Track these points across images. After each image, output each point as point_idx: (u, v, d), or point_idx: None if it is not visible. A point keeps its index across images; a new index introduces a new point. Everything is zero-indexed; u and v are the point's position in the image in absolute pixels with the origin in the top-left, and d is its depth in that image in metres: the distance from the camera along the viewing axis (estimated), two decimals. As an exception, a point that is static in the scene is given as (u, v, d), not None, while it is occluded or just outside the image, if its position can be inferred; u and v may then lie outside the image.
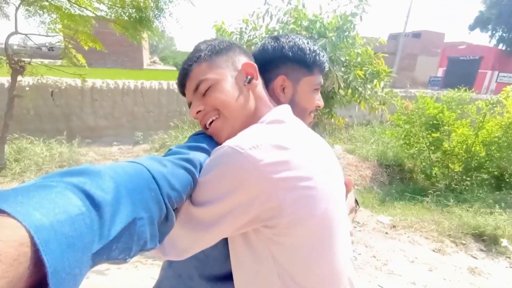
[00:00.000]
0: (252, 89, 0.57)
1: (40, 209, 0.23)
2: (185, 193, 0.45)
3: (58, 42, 3.81)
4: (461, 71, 21.63)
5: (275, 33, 3.24)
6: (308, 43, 0.67)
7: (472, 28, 24.38)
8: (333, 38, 2.89)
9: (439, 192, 3.89)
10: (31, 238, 0.21)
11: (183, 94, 0.61)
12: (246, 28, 3.51)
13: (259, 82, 0.59)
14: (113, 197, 0.31)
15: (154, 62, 28.24)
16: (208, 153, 0.53)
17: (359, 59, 3.46)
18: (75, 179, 0.29)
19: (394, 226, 3.11)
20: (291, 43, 0.66)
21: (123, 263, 0.35)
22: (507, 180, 4.18)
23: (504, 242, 2.77)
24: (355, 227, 3.18)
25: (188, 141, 0.56)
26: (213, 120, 0.56)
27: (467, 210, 3.34)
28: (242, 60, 0.58)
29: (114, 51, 18.80)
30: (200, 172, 0.50)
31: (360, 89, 3.39)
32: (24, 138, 3.60)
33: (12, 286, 0.19)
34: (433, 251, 2.67)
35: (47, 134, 3.88)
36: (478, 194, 3.73)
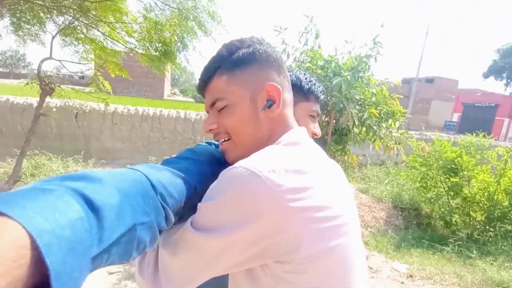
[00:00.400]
0: (270, 115, 0.53)
1: (42, 213, 0.23)
2: (182, 201, 0.45)
3: (88, 69, 4.11)
4: (477, 117, 21.44)
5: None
6: (305, 74, 0.73)
7: (486, 76, 24.65)
8: (348, 77, 2.96)
9: (461, 242, 3.62)
10: (33, 241, 0.21)
11: (203, 96, 0.60)
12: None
13: (286, 103, 0.55)
14: (113, 202, 0.31)
15: (174, 93, 29.81)
16: (203, 164, 0.54)
17: (373, 99, 3.50)
18: (74, 184, 0.29)
19: (411, 276, 2.86)
20: (290, 72, 0.71)
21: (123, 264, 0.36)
22: (536, 233, 3.86)
23: (536, 303, 2.48)
24: (367, 273, 2.95)
25: (186, 153, 0.57)
26: (224, 140, 0.55)
27: (491, 264, 3.06)
28: (267, 77, 0.53)
29: (139, 81, 20.17)
30: (199, 185, 0.50)
31: (374, 127, 3.37)
32: (43, 155, 3.74)
33: (11, 287, 0.20)
34: (456, 308, 2.40)
35: (66, 153, 4.02)
36: (503, 247, 3.43)
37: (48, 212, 0.24)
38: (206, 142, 0.73)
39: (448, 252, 3.51)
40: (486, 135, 5.22)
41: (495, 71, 23.52)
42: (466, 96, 23.86)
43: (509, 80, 22.80)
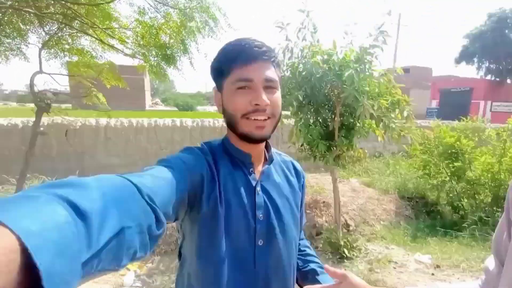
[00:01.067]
0: None
1: (28, 217, 0.23)
2: (169, 202, 0.47)
3: (64, 86, 3.83)
4: (454, 102, 22.32)
5: (296, 68, 3.30)
6: (222, 48, 0.65)
7: (458, 61, 25.73)
8: (358, 69, 2.91)
9: (475, 226, 3.65)
10: (21, 244, 0.21)
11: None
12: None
13: None
14: (100, 207, 0.31)
15: (156, 103, 29.14)
16: (180, 168, 0.55)
17: (376, 90, 3.47)
18: (59, 190, 0.29)
19: (438, 266, 2.83)
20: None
21: (114, 272, 0.35)
22: (540, 209, 3.97)
23: None
24: (394, 268, 2.89)
25: (160, 161, 0.57)
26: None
27: None
28: None
29: (118, 94, 19.45)
30: (181, 187, 0.52)
31: (384, 119, 3.34)
32: (36, 178, 3.42)
33: None
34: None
35: (59, 174, 3.71)
36: (518, 226, 3.48)
37: (35, 216, 0.23)
38: (204, 143, 0.70)
39: (464, 237, 3.52)
40: (472, 119, 5.37)
41: (466, 56, 24.58)
42: (441, 82, 24.86)
43: (480, 64, 23.91)
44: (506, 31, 21.44)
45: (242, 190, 0.66)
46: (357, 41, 3.30)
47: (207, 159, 0.64)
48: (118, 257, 0.34)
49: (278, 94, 0.65)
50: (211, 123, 5.19)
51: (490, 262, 0.57)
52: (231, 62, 0.62)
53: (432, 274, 2.71)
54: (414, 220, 4.31)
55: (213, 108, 32.55)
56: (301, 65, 3.36)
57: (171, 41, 2.86)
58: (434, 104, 24.16)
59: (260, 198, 0.67)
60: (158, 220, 0.42)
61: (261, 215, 0.66)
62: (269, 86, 0.62)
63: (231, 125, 0.65)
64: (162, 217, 0.43)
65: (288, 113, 3.42)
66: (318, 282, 0.75)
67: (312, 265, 0.80)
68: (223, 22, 2.77)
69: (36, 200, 0.26)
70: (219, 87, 0.67)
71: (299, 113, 3.31)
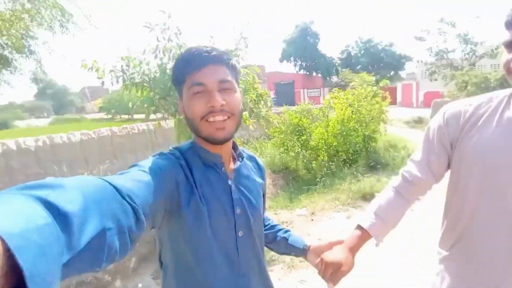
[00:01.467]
0: None
1: (7, 218, 0.22)
2: (148, 204, 0.47)
3: None
4: (285, 92, 28.25)
5: (165, 69, 3.28)
6: (177, 58, 0.70)
7: (281, 60, 32.45)
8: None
9: (323, 178, 5.00)
10: (4, 245, 0.20)
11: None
12: (128, 66, 3.32)
13: None
14: (80, 208, 0.31)
15: None
16: (153, 171, 0.56)
17: (243, 86, 4.03)
18: (37, 192, 0.29)
19: (313, 213, 3.75)
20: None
21: (95, 272, 0.42)
22: (351, 158, 5.92)
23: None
24: (286, 226, 3.57)
25: (131, 167, 0.58)
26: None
27: (345, 183, 4.51)
28: None
29: None
30: (159, 189, 0.53)
31: (254, 110, 3.94)
32: None
33: None
34: (347, 218, 3.45)
35: None
36: (345, 171, 5.08)
37: (15, 217, 0.23)
38: (174, 148, 0.71)
39: (319, 188, 4.77)
40: (292, 104, 7.21)
41: (285, 56, 31.37)
42: (273, 77, 30.70)
43: (295, 62, 31.18)
44: (308, 37, 29.05)
45: (218, 189, 0.70)
46: (221, 44, 3.67)
47: (180, 163, 0.66)
48: (99, 258, 0.33)
49: (236, 94, 0.69)
50: (64, 138, 4.23)
51: (413, 168, 0.88)
52: (185, 70, 0.66)
53: (312, 219, 3.57)
54: (286, 186, 5.35)
55: (42, 122, 24.99)
56: (171, 64, 3.38)
57: (3, 38, 2.17)
58: (272, 94, 29.50)
59: (236, 194, 0.73)
60: (138, 220, 0.42)
61: (238, 210, 0.72)
62: (224, 87, 0.66)
63: (194, 129, 0.68)
64: (143, 217, 0.43)
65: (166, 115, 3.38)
66: (291, 246, 0.92)
67: (280, 234, 0.95)
68: (82, 19, 2.35)
69: (15, 202, 0.25)
70: (180, 96, 0.70)
71: (177, 113, 3.36)
